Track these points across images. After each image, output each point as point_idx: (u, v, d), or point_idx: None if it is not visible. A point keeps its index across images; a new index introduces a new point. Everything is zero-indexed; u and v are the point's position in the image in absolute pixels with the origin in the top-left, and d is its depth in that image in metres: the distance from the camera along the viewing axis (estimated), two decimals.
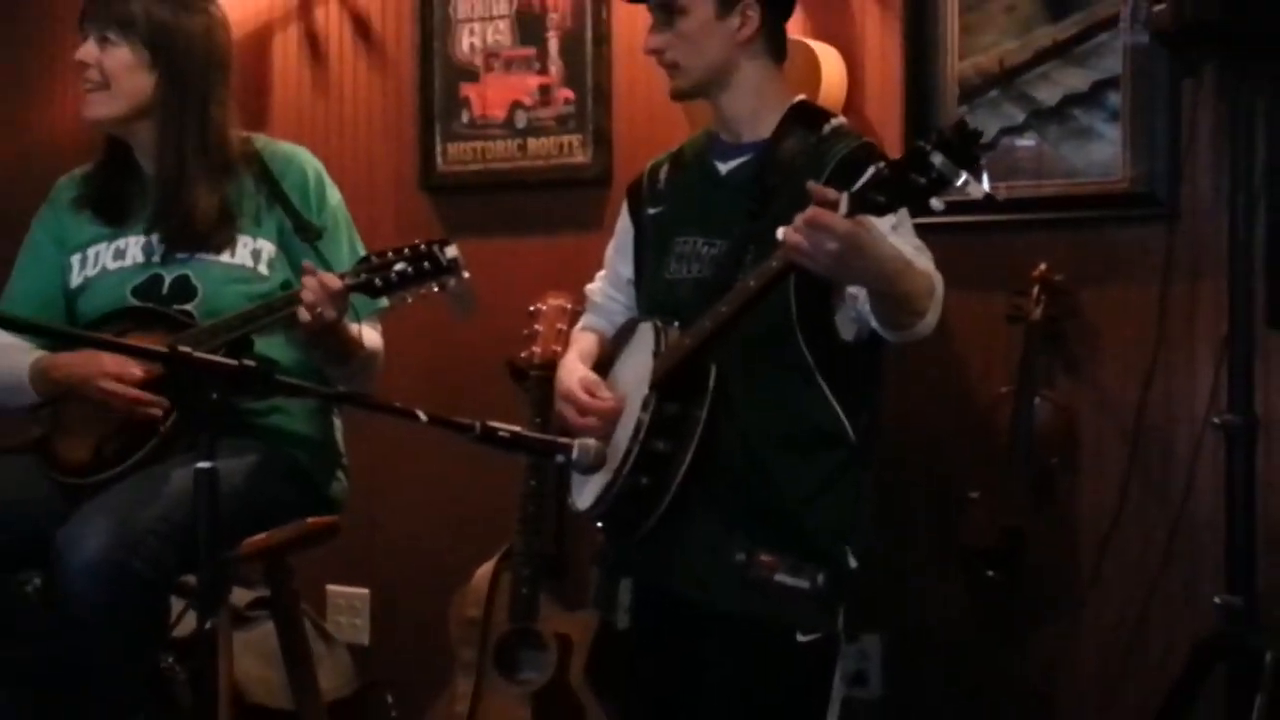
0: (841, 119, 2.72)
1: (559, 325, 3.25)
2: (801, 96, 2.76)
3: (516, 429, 2.17)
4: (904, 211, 2.38)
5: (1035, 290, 3.05)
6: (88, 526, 2.56)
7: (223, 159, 2.87)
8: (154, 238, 2.86)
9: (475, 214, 3.77)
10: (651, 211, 2.80)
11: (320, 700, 3.14)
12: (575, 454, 2.24)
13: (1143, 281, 3.05)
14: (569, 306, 3.25)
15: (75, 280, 2.91)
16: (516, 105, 3.72)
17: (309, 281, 2.62)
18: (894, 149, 3.03)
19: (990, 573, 3.09)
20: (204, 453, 2.05)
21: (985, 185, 2.18)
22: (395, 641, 3.86)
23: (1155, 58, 3.02)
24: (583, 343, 2.87)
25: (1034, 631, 3.18)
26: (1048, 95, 3.14)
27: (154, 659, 2.84)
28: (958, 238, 2.96)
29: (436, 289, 2.65)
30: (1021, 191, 3.13)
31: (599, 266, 2.97)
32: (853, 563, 2.56)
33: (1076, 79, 3.11)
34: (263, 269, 2.86)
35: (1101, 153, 3.09)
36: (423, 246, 2.64)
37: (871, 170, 2.21)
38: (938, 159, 2.13)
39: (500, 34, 3.73)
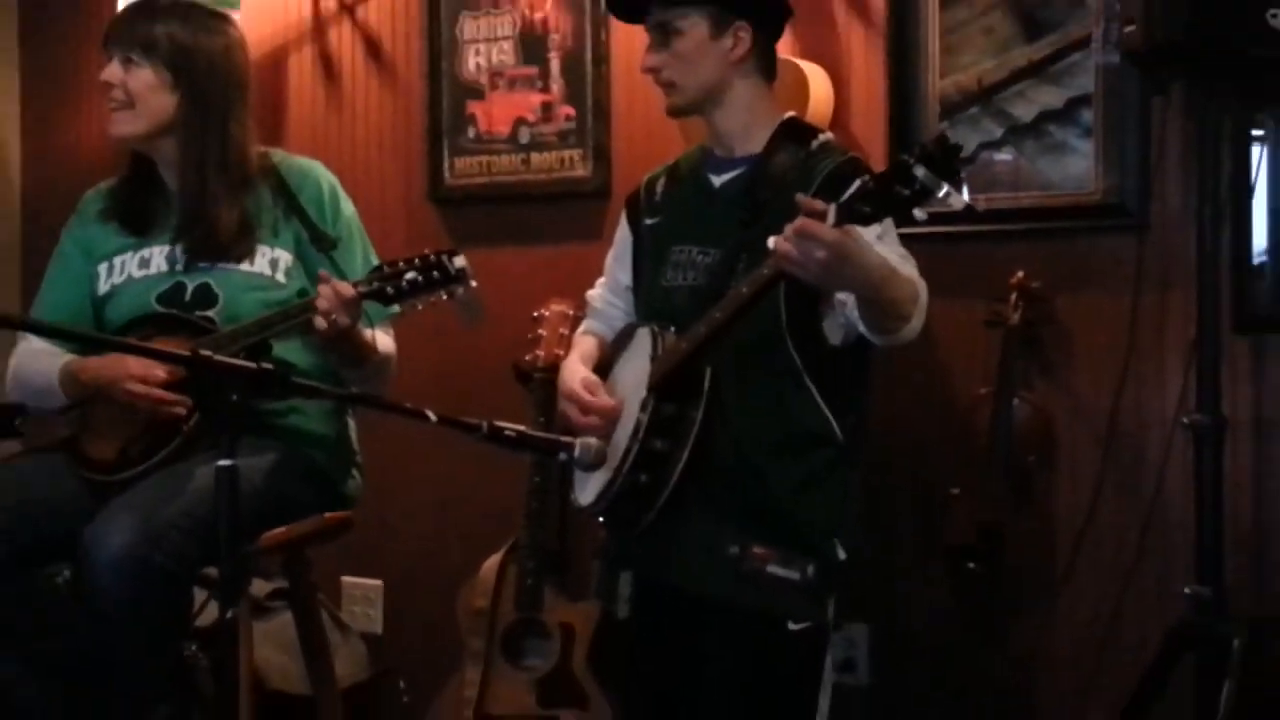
0: (829, 134, 2.73)
1: (561, 330, 3.24)
2: (791, 113, 2.76)
3: (522, 428, 2.17)
4: (889, 221, 2.39)
5: (1013, 297, 3.05)
6: (114, 523, 2.56)
7: (242, 174, 2.87)
8: (178, 248, 2.86)
9: (481, 225, 3.77)
10: (649, 222, 2.81)
11: (336, 686, 3.14)
12: (577, 452, 2.24)
13: (1115, 289, 3.05)
14: (571, 312, 3.25)
15: (102, 288, 2.91)
16: (520, 122, 3.72)
17: (324, 289, 2.62)
18: (879, 163, 3.03)
19: (971, 566, 3.08)
20: (225, 451, 2.05)
21: (965, 196, 2.18)
22: (407, 630, 3.85)
23: (1126, 77, 3.02)
24: (584, 346, 2.87)
25: (1013, 621, 3.18)
26: (1024, 112, 3.14)
27: (178, 649, 2.83)
28: (940, 247, 2.96)
29: (445, 296, 2.65)
30: (1000, 203, 3.14)
31: (599, 274, 2.97)
32: (841, 555, 2.56)
33: (1051, 96, 3.11)
34: (280, 277, 2.86)
35: (1075, 166, 3.09)
36: (432, 256, 2.64)
37: (858, 183, 2.22)
38: (920, 171, 2.14)
39: (504, 54, 3.74)
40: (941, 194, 2.15)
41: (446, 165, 3.81)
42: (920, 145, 2.18)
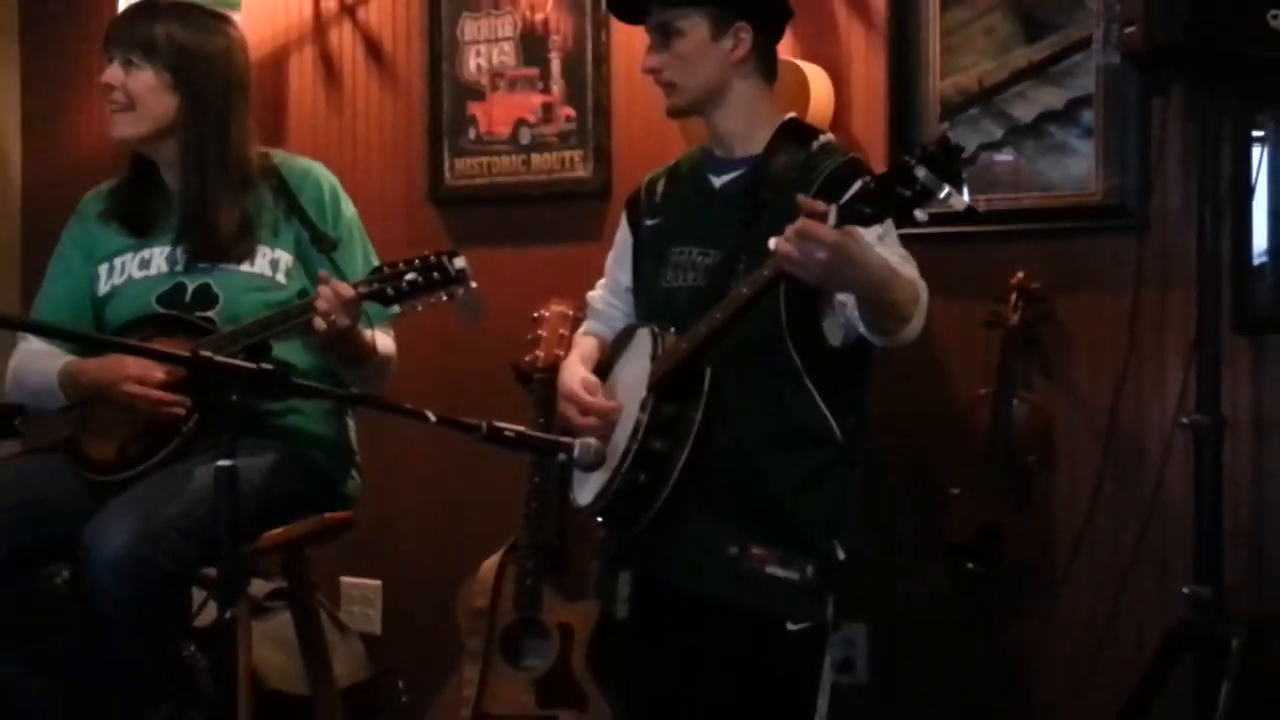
0: (829, 135, 2.72)
1: (561, 330, 3.24)
2: (791, 114, 2.75)
3: (521, 429, 2.16)
4: (889, 222, 2.38)
5: (1013, 297, 3.04)
6: (113, 523, 2.55)
7: (243, 175, 2.86)
8: (178, 249, 2.85)
9: (482, 225, 3.76)
10: (649, 223, 2.80)
11: (334, 686, 3.14)
12: (577, 452, 2.23)
13: (1115, 289, 3.04)
14: (571, 313, 3.24)
15: (103, 288, 2.90)
16: (521, 122, 3.71)
17: (324, 290, 2.61)
18: (879, 164, 3.02)
19: (970, 565, 3.07)
20: (224, 452, 2.04)
21: (966, 198, 2.17)
22: (406, 630, 3.84)
23: (1126, 78, 3.01)
24: (584, 347, 2.86)
25: (1012, 621, 3.17)
26: (1024, 113, 3.13)
27: (177, 648, 2.82)
28: (940, 247, 2.95)
29: (445, 297, 2.64)
30: (1000, 204, 3.13)
31: (599, 275, 2.96)
32: (840, 555, 2.55)
33: (1052, 97, 3.10)
34: (281, 278, 2.85)
35: (1076, 167, 3.08)
36: (432, 257, 2.63)
37: (859, 184, 2.21)
38: (922, 173, 2.13)
39: (505, 55, 3.72)
40: (943, 195, 2.14)
41: (447, 166, 3.80)
42: (921, 146, 2.17)
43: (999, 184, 3.15)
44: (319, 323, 2.61)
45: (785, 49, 2.90)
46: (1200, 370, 2.79)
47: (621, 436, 2.56)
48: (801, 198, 2.28)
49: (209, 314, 2.79)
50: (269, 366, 2.08)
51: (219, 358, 2.09)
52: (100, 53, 2.91)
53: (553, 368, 3.06)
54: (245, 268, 2.84)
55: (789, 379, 2.54)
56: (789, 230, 2.24)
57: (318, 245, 2.84)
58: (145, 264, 2.89)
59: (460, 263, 2.63)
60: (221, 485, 2.04)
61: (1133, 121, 3.02)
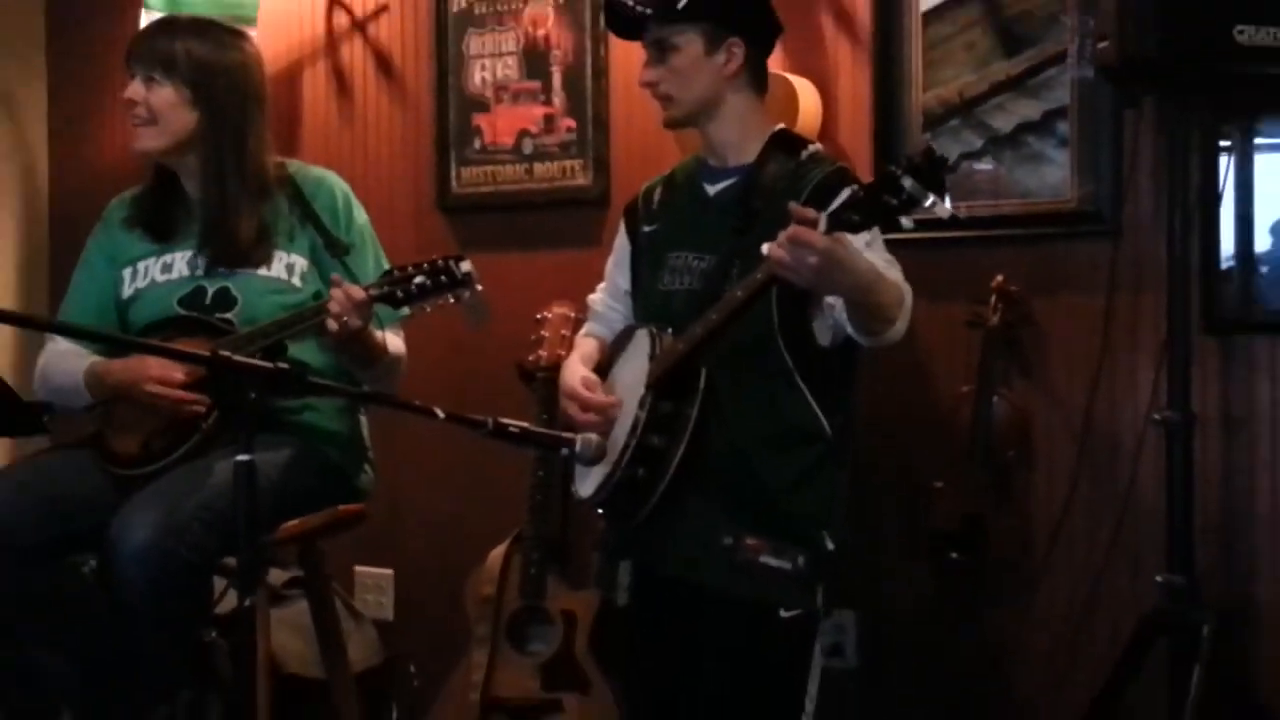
0: (818, 145, 2.72)
1: (563, 332, 3.23)
2: (781, 125, 2.75)
3: (525, 425, 2.16)
4: (876, 229, 2.38)
5: (993, 299, 3.04)
6: (137, 516, 2.56)
7: (260, 184, 2.86)
8: (200, 255, 2.85)
9: (487, 232, 3.75)
10: (647, 229, 2.80)
11: (349, 670, 3.14)
12: (578, 447, 2.23)
13: (1090, 292, 3.04)
14: (572, 315, 3.24)
15: (127, 292, 2.90)
16: (524, 133, 3.71)
17: (336, 293, 2.61)
18: (865, 172, 3.02)
19: (953, 555, 3.07)
20: (243, 447, 2.04)
21: (949, 206, 2.17)
22: (417, 617, 3.84)
23: (1100, 91, 3.01)
24: (585, 347, 2.86)
25: (993, 608, 3.17)
26: (1003, 123, 3.13)
27: (198, 635, 2.83)
28: (924, 252, 2.94)
29: (453, 300, 2.64)
30: (980, 210, 3.12)
31: (599, 279, 2.96)
32: (830, 546, 2.55)
33: (1029, 109, 3.10)
34: (296, 281, 2.85)
35: (1052, 175, 3.08)
36: (440, 261, 2.64)
37: (847, 192, 2.21)
38: (908, 182, 2.14)
39: (509, 69, 3.72)
40: (928, 204, 2.14)
41: (453, 175, 3.80)
42: (908, 157, 2.18)
43: (979, 192, 3.15)
44: (332, 324, 2.61)
45: (775, 63, 2.90)
46: (1171, 369, 2.79)
47: (621, 433, 2.57)
48: (794, 205, 2.28)
49: (228, 316, 2.79)
50: (285, 366, 2.08)
51: (237, 357, 2.10)
52: (123, 67, 2.91)
53: (555, 367, 3.06)
54: (262, 272, 2.84)
55: (781, 379, 2.54)
56: (782, 236, 2.25)
57: (331, 250, 2.84)
58: (167, 268, 2.89)
59: (467, 267, 2.63)
60: (240, 479, 2.04)
61: (1106, 132, 3.02)
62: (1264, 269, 2.93)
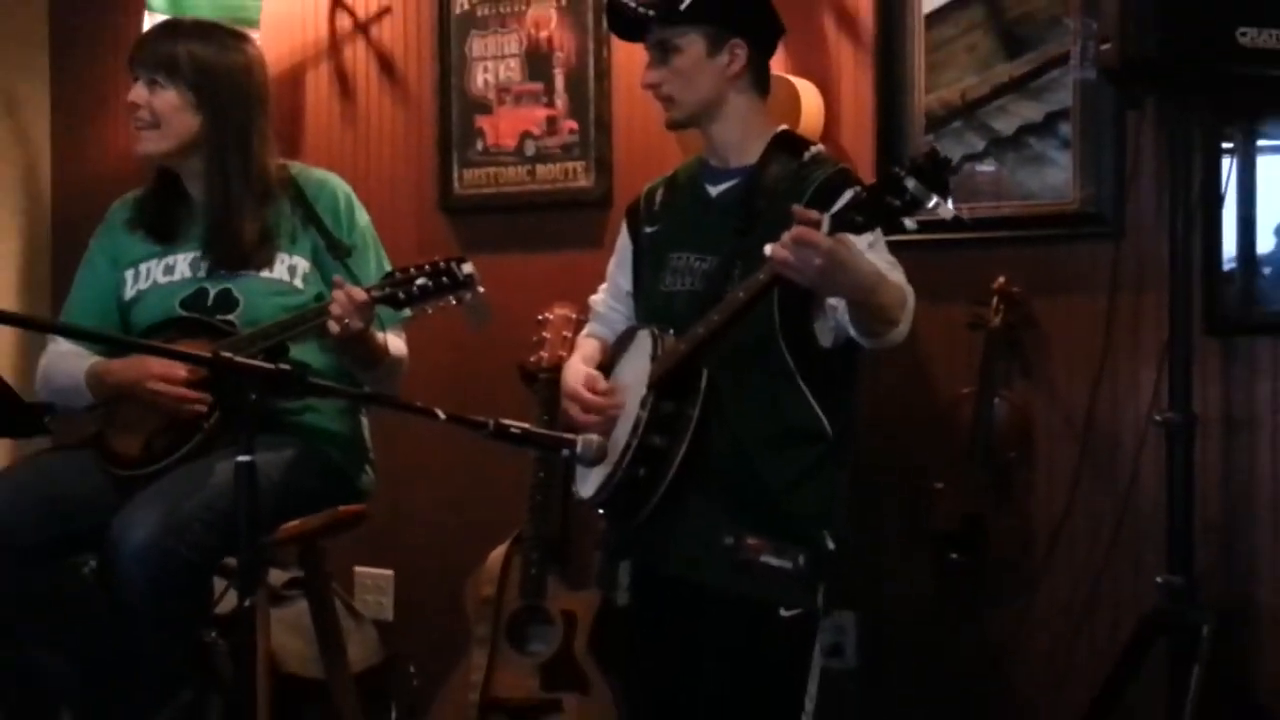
0: (820, 147, 2.71)
1: (565, 333, 3.22)
2: (784, 126, 2.74)
3: (526, 426, 2.15)
4: (879, 230, 2.37)
5: (995, 301, 3.03)
6: (138, 515, 2.55)
7: (263, 186, 2.85)
8: (202, 256, 2.84)
9: (489, 233, 3.74)
10: (649, 230, 2.78)
11: (349, 670, 3.12)
12: (579, 448, 2.22)
13: (1091, 293, 3.03)
14: (574, 316, 3.23)
15: (129, 293, 2.89)
16: (526, 135, 3.69)
17: (337, 295, 2.60)
18: (867, 174, 3.01)
19: (954, 556, 3.06)
20: (244, 448, 2.03)
21: (952, 207, 2.16)
22: (417, 617, 3.83)
23: (1102, 92, 2.99)
24: (586, 348, 2.85)
25: (993, 609, 3.16)
26: (1005, 125, 3.12)
27: (198, 635, 2.82)
28: (926, 253, 2.92)
29: (454, 301, 2.64)
30: (982, 212, 3.10)
31: (601, 280, 2.95)
32: (830, 546, 2.55)
33: (1031, 111, 3.09)
34: (298, 283, 2.84)
35: (1054, 177, 3.07)
36: (442, 263, 2.63)
37: (850, 193, 2.20)
38: (911, 184, 2.13)
39: (511, 71, 3.71)
40: (930, 205, 2.13)
41: (456, 176, 3.78)
42: (911, 159, 2.17)
43: (981, 193, 3.13)
44: (333, 325, 2.60)
45: (778, 64, 2.89)
46: (1172, 370, 2.78)
47: (622, 433, 2.55)
48: (797, 207, 2.28)
49: (230, 317, 2.78)
50: (286, 367, 2.07)
51: (239, 358, 2.09)
52: (126, 71, 2.89)
53: (557, 368, 3.05)
54: (265, 274, 2.83)
55: (783, 379, 2.53)
56: (785, 236, 2.23)
57: (333, 252, 2.83)
58: (169, 270, 2.88)
59: (468, 268, 2.62)
60: (241, 480, 2.03)
61: (1108, 134, 3.00)
62: (1266, 270, 2.92)
